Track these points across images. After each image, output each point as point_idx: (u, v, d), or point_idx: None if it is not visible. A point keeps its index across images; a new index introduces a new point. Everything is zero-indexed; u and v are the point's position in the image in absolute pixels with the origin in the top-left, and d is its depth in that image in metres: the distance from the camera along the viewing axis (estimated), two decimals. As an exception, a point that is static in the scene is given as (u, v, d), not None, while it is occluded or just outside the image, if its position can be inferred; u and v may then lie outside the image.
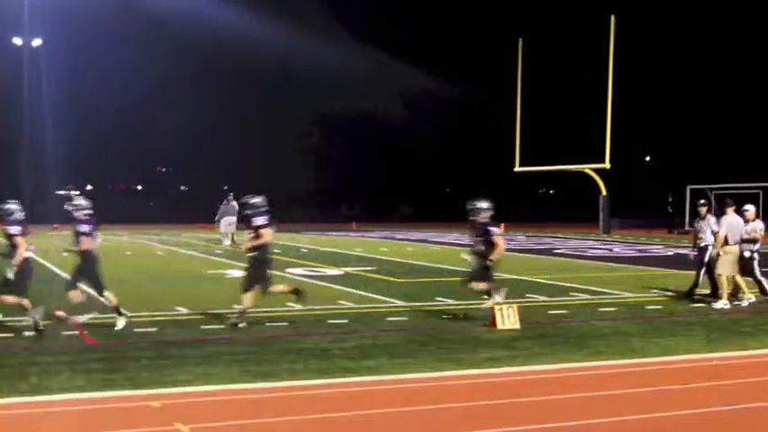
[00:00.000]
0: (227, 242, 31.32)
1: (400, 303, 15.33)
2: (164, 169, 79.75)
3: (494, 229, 13.17)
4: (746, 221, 15.83)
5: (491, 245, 13.05)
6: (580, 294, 16.84)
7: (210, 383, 8.86)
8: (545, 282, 19.41)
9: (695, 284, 16.00)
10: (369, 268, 22.63)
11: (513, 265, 24.02)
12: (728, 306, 14.99)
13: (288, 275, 20.51)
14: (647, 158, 77.56)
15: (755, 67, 61.53)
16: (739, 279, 15.45)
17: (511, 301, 15.08)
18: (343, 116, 73.84)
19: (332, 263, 24.22)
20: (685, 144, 66.89)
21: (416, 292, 16.94)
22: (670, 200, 69.04)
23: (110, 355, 10.20)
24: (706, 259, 15.76)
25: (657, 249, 32.12)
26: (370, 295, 16.46)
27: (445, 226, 53.42)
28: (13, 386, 8.61)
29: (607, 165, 41.96)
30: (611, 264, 25.11)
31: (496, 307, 12.70)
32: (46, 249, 29.54)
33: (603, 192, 45.00)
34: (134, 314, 13.56)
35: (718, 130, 65.09)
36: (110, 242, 34.68)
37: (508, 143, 49.16)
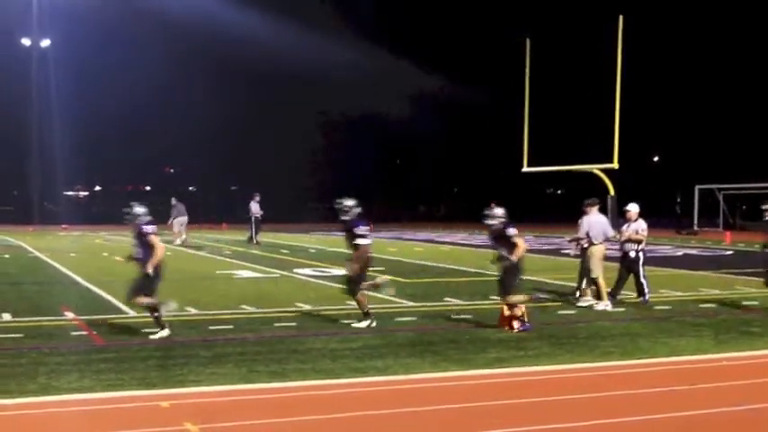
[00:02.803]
0: (179, 241, 32.76)
1: (408, 304, 15.33)
2: (172, 170, 79.87)
3: None
4: (629, 221, 15.54)
5: None
6: (588, 295, 16.78)
7: (219, 383, 8.87)
8: (553, 282, 19.37)
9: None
10: (377, 268, 22.59)
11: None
12: (610, 307, 14.65)
13: (295, 276, 20.54)
14: (656, 158, 77.38)
15: (765, 66, 61.32)
16: (601, 282, 14.94)
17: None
18: (349, 117, 73.80)
19: (340, 263, 24.18)
20: (694, 144, 66.75)
21: (425, 293, 16.95)
22: (678, 200, 68.87)
23: (119, 356, 10.22)
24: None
25: (665, 250, 32.05)
26: (379, 296, 16.44)
27: (453, 226, 53.41)
28: (21, 386, 8.63)
29: (615, 165, 41.85)
30: (618, 264, 25.01)
31: (505, 307, 12.67)
32: (54, 249, 29.67)
33: (612, 192, 44.89)
34: (143, 314, 13.59)
35: (728, 129, 64.92)
36: (118, 243, 34.78)
37: (516, 144, 49.09)
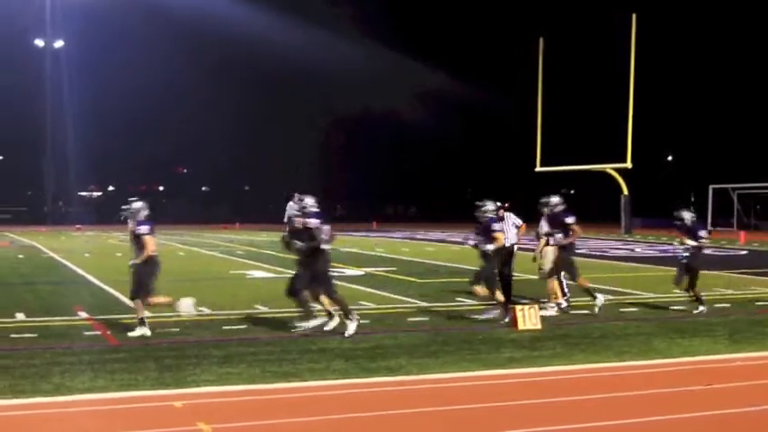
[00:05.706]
0: None
1: (421, 304, 15.31)
2: (185, 170, 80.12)
3: None
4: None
5: None
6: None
7: (232, 384, 8.88)
8: (566, 282, 19.26)
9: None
10: (389, 269, 22.62)
11: (534, 266, 23.95)
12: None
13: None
14: (669, 158, 77.09)
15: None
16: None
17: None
18: (360, 117, 73.86)
19: (353, 263, 24.20)
20: (708, 143, 66.46)
21: (437, 293, 16.92)
22: (692, 200, 68.62)
23: (132, 356, 10.25)
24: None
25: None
26: (391, 296, 16.45)
27: (465, 226, 53.35)
28: (35, 386, 8.66)
29: (629, 164, 41.79)
30: (632, 264, 24.98)
31: (518, 307, 12.65)
32: (68, 249, 29.78)
33: (625, 191, 44.82)
34: (156, 315, 13.61)
35: (742, 128, 64.60)
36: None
37: (529, 143, 49.04)
